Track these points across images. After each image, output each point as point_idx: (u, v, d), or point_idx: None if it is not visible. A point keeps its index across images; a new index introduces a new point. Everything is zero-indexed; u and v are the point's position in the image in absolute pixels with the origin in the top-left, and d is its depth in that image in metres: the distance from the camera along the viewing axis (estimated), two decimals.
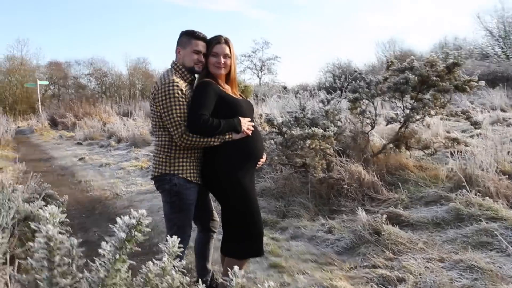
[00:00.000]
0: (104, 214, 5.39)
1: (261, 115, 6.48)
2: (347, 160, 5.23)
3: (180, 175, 2.70)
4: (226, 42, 2.85)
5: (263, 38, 52.88)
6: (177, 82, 2.63)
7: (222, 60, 2.81)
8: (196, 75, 2.89)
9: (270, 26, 68.51)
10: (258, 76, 46.68)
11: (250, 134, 2.78)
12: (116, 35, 66.39)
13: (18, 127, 23.62)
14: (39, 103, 27.64)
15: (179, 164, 2.71)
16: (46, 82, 36.39)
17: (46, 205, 1.68)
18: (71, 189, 7.05)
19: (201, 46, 2.80)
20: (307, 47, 68.80)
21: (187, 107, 2.63)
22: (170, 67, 2.86)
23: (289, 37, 69.74)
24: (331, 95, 6.50)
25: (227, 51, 2.84)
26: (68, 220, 1.58)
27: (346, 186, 4.88)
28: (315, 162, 4.81)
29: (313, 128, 4.78)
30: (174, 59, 2.87)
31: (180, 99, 2.60)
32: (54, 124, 22.44)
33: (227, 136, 2.68)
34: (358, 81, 5.95)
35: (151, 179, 2.85)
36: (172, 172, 2.70)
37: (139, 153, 10.37)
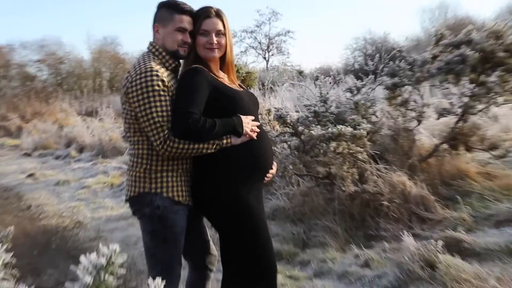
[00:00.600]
0: (62, 250, 5.39)
1: (269, 110, 6.49)
2: (386, 168, 5.19)
3: (165, 195, 2.70)
4: (218, 14, 2.86)
5: (270, 7, 52.70)
6: (157, 71, 2.63)
7: (215, 39, 2.82)
8: (181, 61, 2.91)
9: None
10: (264, 57, 46.76)
11: (255, 137, 2.78)
12: (75, 8, 66.79)
13: None
14: None
15: (162, 179, 2.71)
16: None
17: None
18: (17, 217, 7.05)
19: (186, 22, 2.81)
20: (329, 17, 68.97)
21: (171, 103, 2.63)
22: (146, 50, 2.86)
23: (304, 4, 69.92)
24: (361, 81, 6.50)
25: (220, 26, 2.85)
26: (14, 261, 1.58)
27: (386, 202, 4.85)
28: (343, 171, 4.80)
29: (339, 126, 4.77)
30: (152, 40, 2.88)
31: (161, 92, 2.60)
32: None
33: (224, 141, 2.68)
34: (397, 62, 5.94)
35: (126, 200, 2.84)
36: (153, 191, 2.69)
37: (108, 166, 10.42)
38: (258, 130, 2.81)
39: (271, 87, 14.86)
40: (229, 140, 2.70)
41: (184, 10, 2.81)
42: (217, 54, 2.86)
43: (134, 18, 70.08)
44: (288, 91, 13.12)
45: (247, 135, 2.74)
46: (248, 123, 2.75)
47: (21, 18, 63.71)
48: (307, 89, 7.41)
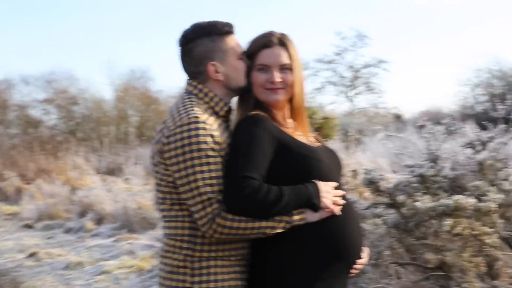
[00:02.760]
0: None
1: (355, 171, 6.46)
2: None
3: None
4: (282, 42, 2.91)
5: (355, 28, 52.97)
6: (204, 122, 2.66)
7: (278, 76, 2.85)
8: (232, 103, 2.97)
9: (366, 6, 69.41)
10: (347, 97, 46.81)
11: (338, 213, 2.76)
12: (92, 32, 69.38)
13: None
14: None
15: (209, 270, 2.71)
16: None
17: None
18: None
19: (238, 43, 2.93)
20: (437, 43, 68.72)
21: (223, 166, 2.65)
22: (185, 92, 2.93)
23: (402, 26, 70.20)
24: (487, 131, 6.39)
25: (285, 58, 2.89)
26: None
27: None
28: (463, 261, 4.68)
29: (456, 197, 4.69)
30: (196, 83, 2.92)
31: (210, 152, 2.61)
32: None
33: (296, 217, 2.66)
34: None
35: None
36: (196, 287, 2.69)
37: (135, 243, 10.50)
38: (342, 201, 2.79)
39: (357, 138, 14.82)
40: (302, 216, 2.68)
41: (231, 29, 2.90)
42: (281, 96, 2.88)
43: (170, 43, 71.99)
44: (382, 143, 13.04)
45: (327, 209, 2.71)
46: (329, 193, 2.73)
47: (23, 47, 66.42)
48: (408, 142, 7.35)
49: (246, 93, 2.90)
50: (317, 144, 2.97)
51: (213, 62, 2.83)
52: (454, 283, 4.94)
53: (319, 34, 60.99)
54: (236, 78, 2.86)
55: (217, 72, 2.84)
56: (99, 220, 13.47)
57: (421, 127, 7.64)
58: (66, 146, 25.49)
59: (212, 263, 2.70)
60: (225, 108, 2.88)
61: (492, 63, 30.19)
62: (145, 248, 10.03)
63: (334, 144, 13.76)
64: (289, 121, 2.96)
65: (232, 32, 2.89)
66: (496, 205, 4.85)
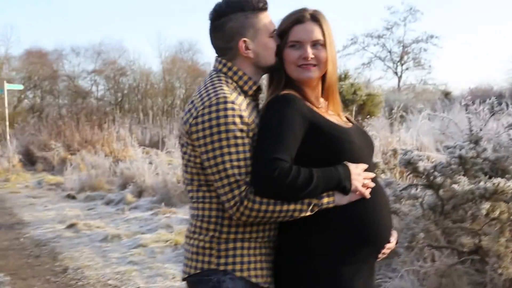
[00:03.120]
0: None
1: (394, 150, 6.36)
2: None
3: (238, 274, 2.68)
4: (315, 18, 2.82)
5: (406, 2, 52.22)
6: (233, 102, 2.62)
7: (311, 52, 2.77)
8: (264, 81, 2.91)
9: None
10: (395, 72, 46.38)
11: (368, 196, 2.70)
12: (142, 7, 69.71)
13: None
14: (7, 123, 28.46)
15: (235, 252, 2.70)
16: (20, 87, 37.77)
17: None
18: (49, 282, 7.28)
19: (271, 21, 2.85)
20: (489, 20, 67.55)
21: (252, 147, 2.61)
22: (213, 70, 2.88)
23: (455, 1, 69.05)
24: None
25: (318, 34, 2.81)
26: None
27: None
28: (499, 246, 4.59)
29: (496, 180, 4.58)
30: (220, 57, 2.88)
31: (238, 133, 2.57)
32: (29, 161, 23.47)
33: (325, 200, 2.61)
34: None
35: (183, 279, 2.85)
36: (222, 268, 2.69)
37: (173, 218, 10.61)
38: (372, 184, 2.74)
39: (402, 115, 14.60)
40: (331, 199, 2.62)
41: (265, 5, 2.81)
42: (315, 74, 2.81)
43: None
44: (427, 120, 12.85)
45: (358, 192, 2.66)
46: (359, 175, 2.67)
47: (74, 18, 67.01)
48: (451, 122, 7.21)
49: (277, 72, 2.84)
50: (349, 125, 2.89)
51: (244, 39, 2.76)
52: (489, 268, 4.87)
53: (370, 8, 60.43)
54: (266, 56, 2.80)
55: (247, 49, 2.78)
56: (139, 193, 13.68)
57: (466, 105, 7.50)
58: (112, 118, 25.71)
59: (238, 244, 2.69)
60: (254, 87, 2.82)
61: None
62: (182, 222, 10.07)
63: (378, 121, 13.66)
64: (321, 101, 2.90)
65: (266, 8, 2.82)
66: None
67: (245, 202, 2.51)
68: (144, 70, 46.19)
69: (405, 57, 46.02)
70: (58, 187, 17.15)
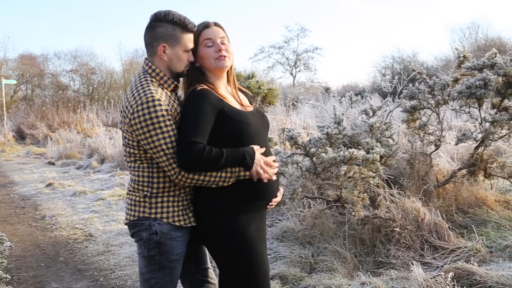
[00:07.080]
0: (69, 264, 5.35)
1: (283, 130, 6.40)
2: (399, 193, 5.08)
3: (164, 220, 2.66)
4: (217, 24, 2.79)
5: (299, 23, 52.71)
6: (159, 99, 2.58)
7: (222, 45, 2.72)
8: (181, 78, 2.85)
9: (307, 6, 68.92)
10: (291, 73, 46.83)
11: (274, 177, 2.74)
12: (109, 21, 67.90)
13: None
14: (4, 108, 28.45)
15: (163, 204, 2.68)
16: (14, 81, 37.75)
17: None
18: (30, 227, 7.15)
19: (192, 42, 2.76)
20: (360, 35, 68.80)
21: (177, 130, 2.60)
22: (141, 70, 2.79)
23: (334, 21, 69.81)
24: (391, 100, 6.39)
25: (223, 33, 2.78)
26: (9, 277, 1.51)
27: (398, 229, 4.73)
28: (353, 196, 4.66)
29: (351, 150, 4.65)
30: (148, 59, 2.80)
31: (167, 122, 2.56)
32: (21, 136, 23.15)
33: (242, 173, 2.64)
34: (417, 84, 5.80)
35: (125, 224, 2.80)
36: (152, 216, 2.66)
37: (125, 178, 10.49)
38: (276, 165, 2.77)
39: (293, 103, 14.81)
40: (247, 173, 2.65)
41: (192, 29, 2.75)
42: (228, 63, 2.76)
43: None
44: (312, 108, 13.02)
45: (266, 176, 2.68)
46: (260, 161, 2.67)
47: (56, 30, 65.20)
48: (323, 109, 7.30)
49: (193, 70, 2.76)
50: (250, 109, 2.86)
51: (165, 44, 2.71)
52: (347, 212, 4.95)
53: (274, 26, 60.74)
54: (177, 64, 2.74)
55: (164, 52, 2.72)
56: (102, 160, 13.62)
57: (342, 96, 7.62)
58: (83, 105, 25.57)
59: (165, 198, 2.68)
60: (172, 86, 2.76)
61: (394, 52, 30.56)
62: None
63: (276, 108, 13.87)
64: (229, 91, 2.85)
65: (193, 31, 2.74)
66: (379, 156, 4.84)
67: (182, 172, 2.54)
68: (109, 70, 45.78)
69: (298, 63, 46.77)
70: (41, 156, 16.92)
